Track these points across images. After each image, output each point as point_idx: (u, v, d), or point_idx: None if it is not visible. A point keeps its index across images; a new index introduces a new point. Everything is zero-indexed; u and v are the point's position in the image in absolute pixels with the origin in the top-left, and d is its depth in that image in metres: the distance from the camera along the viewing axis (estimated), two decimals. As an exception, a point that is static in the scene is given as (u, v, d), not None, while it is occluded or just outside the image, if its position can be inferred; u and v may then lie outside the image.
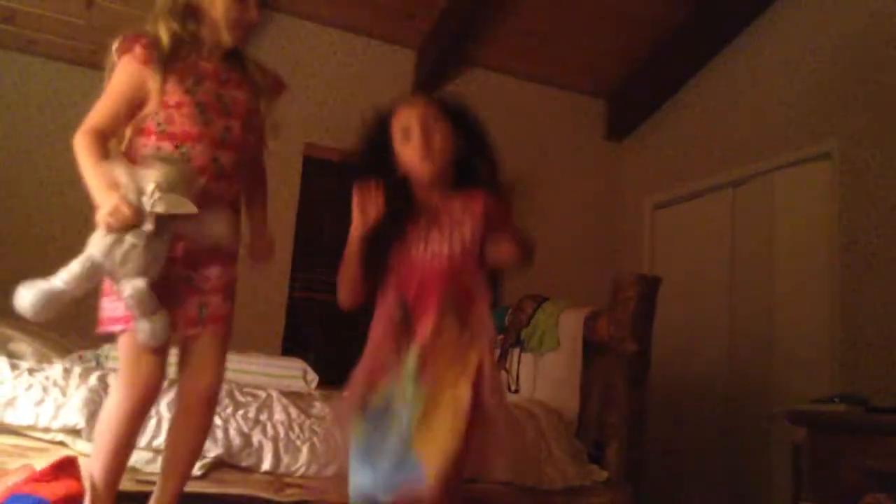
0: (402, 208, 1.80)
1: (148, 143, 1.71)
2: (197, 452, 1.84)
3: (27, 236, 3.71)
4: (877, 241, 3.38)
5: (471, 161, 1.87)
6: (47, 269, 4.05)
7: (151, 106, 1.70)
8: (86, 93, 3.88)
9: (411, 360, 1.70)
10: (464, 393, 1.66)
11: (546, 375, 3.11)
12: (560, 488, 2.50)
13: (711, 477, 3.95)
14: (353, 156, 1.87)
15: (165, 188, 1.57)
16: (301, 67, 4.23)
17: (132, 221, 1.55)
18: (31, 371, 2.19)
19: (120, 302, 1.64)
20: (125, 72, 1.71)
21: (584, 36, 4.51)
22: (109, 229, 1.56)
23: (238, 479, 2.18)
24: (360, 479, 1.69)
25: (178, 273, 1.72)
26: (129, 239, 1.56)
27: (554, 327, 3.12)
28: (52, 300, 1.53)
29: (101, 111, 1.69)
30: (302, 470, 2.20)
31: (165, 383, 1.78)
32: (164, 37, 1.73)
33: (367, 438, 1.71)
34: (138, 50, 1.70)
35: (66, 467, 1.77)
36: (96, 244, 1.58)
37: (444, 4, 4.15)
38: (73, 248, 4.06)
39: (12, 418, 2.07)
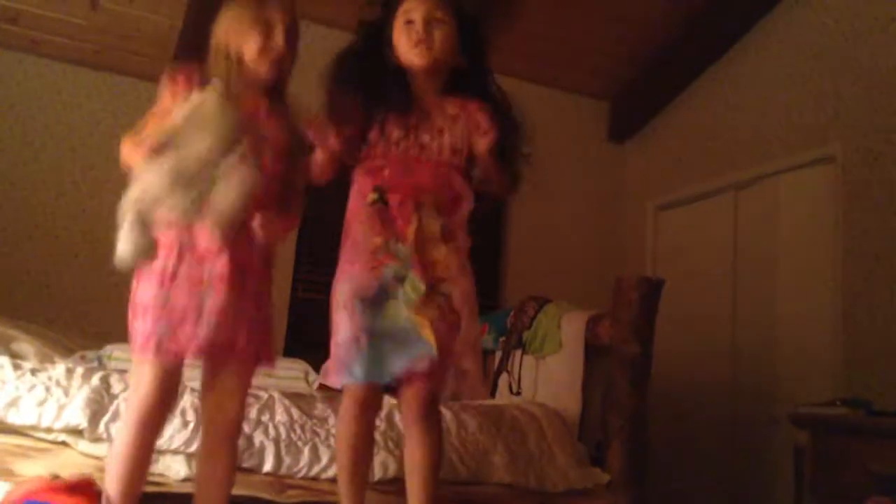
0: (393, 94, 1.80)
1: None
2: (226, 486, 1.83)
3: (30, 236, 3.72)
4: (879, 245, 3.38)
5: (468, 70, 1.87)
6: (50, 269, 4.06)
7: None
8: (89, 93, 3.94)
9: (402, 246, 1.74)
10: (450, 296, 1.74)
11: (548, 378, 3.10)
12: (562, 491, 2.50)
13: (714, 479, 3.95)
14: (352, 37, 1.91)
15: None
16: (306, 68, 4.23)
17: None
18: (33, 371, 2.19)
19: (143, 323, 1.64)
20: (169, 98, 1.73)
21: (588, 38, 4.51)
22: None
23: (239, 480, 2.16)
24: (362, 363, 1.72)
25: (249, 290, 1.72)
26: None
27: (556, 329, 3.12)
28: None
29: (147, 128, 1.69)
30: (303, 471, 2.19)
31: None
32: (219, 76, 1.75)
33: (367, 324, 1.74)
34: (182, 79, 1.73)
35: (84, 488, 1.78)
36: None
37: (448, 6, 4.15)
38: (77, 248, 4.06)
39: (15, 418, 2.07)
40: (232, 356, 1.74)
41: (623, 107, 5.02)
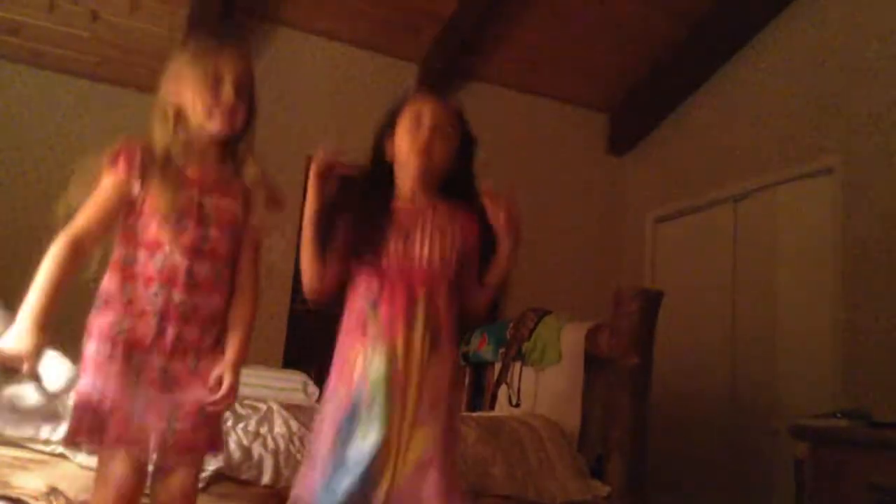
0: (382, 196, 1.77)
1: (126, 253, 1.66)
2: None
3: (31, 248, 3.71)
4: (879, 256, 3.38)
5: (459, 178, 1.85)
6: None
7: (138, 214, 1.65)
8: (90, 105, 3.94)
9: (380, 362, 1.67)
10: (428, 437, 1.66)
11: (547, 389, 3.10)
12: (561, 503, 2.49)
13: (713, 491, 3.93)
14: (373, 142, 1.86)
15: None
16: (303, 80, 4.25)
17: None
18: (32, 383, 2.19)
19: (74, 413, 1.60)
20: (109, 182, 1.64)
21: (587, 51, 4.53)
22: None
23: (238, 492, 2.17)
24: (339, 481, 1.65)
25: (144, 392, 1.63)
26: None
27: (556, 341, 3.12)
28: None
29: (84, 219, 1.63)
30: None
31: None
32: (157, 142, 1.67)
33: (343, 442, 1.67)
34: (122, 164, 1.64)
35: None
36: None
37: (448, 18, 4.17)
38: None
39: (13, 430, 2.06)
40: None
41: (622, 119, 5.03)
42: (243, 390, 2.56)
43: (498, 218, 1.79)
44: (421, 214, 1.79)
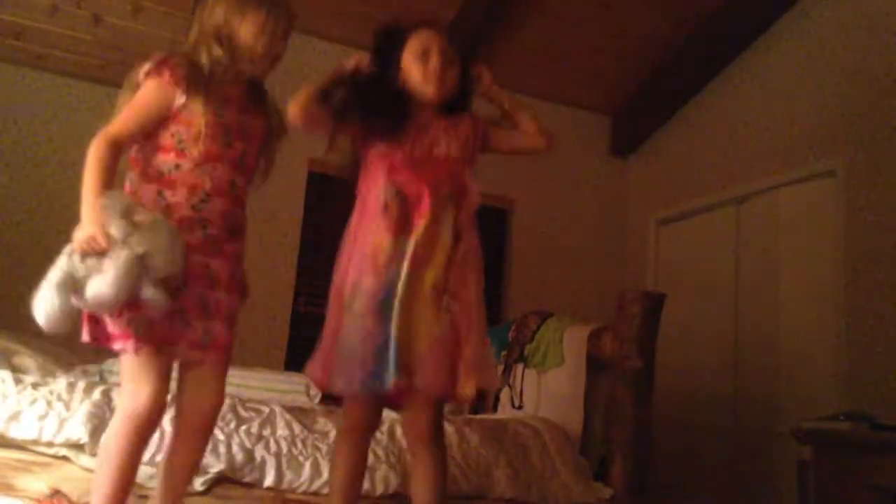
0: (396, 109, 1.90)
1: (167, 159, 1.72)
2: (194, 470, 1.84)
3: (34, 250, 3.72)
4: (882, 259, 3.38)
5: (460, 99, 2.00)
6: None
7: (184, 124, 1.72)
8: (93, 107, 3.95)
9: (410, 245, 1.78)
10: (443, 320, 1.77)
11: (550, 392, 3.10)
12: (564, 505, 2.49)
13: (717, 494, 3.93)
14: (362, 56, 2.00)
15: (153, 253, 1.56)
16: (305, 83, 4.25)
17: (103, 252, 1.54)
18: (34, 385, 2.19)
19: (118, 319, 1.63)
20: (153, 88, 1.72)
21: (590, 53, 4.53)
22: (79, 250, 1.56)
23: (241, 494, 2.17)
24: (361, 369, 1.74)
25: (192, 291, 1.71)
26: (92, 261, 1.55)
27: (558, 343, 3.12)
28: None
29: (123, 121, 1.71)
30: (305, 486, 2.19)
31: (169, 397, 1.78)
32: (205, 62, 1.76)
33: (364, 329, 1.76)
34: (167, 73, 1.72)
35: None
36: (69, 262, 1.56)
37: (450, 21, 4.17)
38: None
39: (16, 432, 2.06)
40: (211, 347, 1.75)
41: (625, 121, 5.04)
42: (245, 392, 2.57)
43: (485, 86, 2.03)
44: (433, 119, 1.94)
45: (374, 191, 1.87)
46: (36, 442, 2.07)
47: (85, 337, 1.70)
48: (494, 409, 3.33)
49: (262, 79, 1.90)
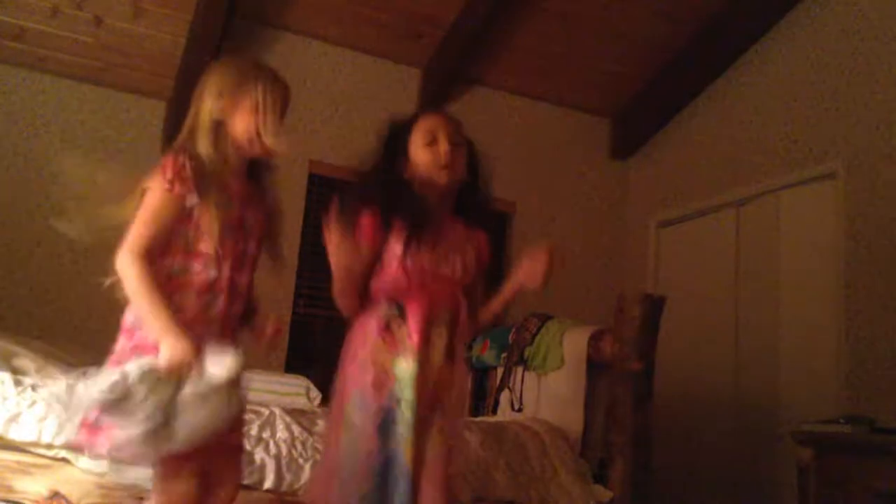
0: (413, 212, 1.82)
1: (174, 262, 1.67)
2: None
3: (35, 253, 3.72)
4: (882, 261, 3.37)
5: (470, 191, 1.91)
6: (52, 285, 4.05)
7: (192, 225, 1.67)
8: (94, 109, 3.96)
9: (409, 364, 1.74)
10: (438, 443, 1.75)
11: (550, 394, 3.09)
12: (564, 508, 2.48)
13: (716, 497, 3.92)
14: (365, 160, 1.91)
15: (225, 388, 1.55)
16: (307, 85, 4.26)
17: (187, 372, 1.52)
18: (34, 387, 2.19)
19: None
20: (165, 196, 1.65)
21: (590, 55, 4.53)
22: (166, 370, 1.51)
23: (240, 497, 2.16)
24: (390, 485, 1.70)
25: None
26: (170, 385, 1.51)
27: (558, 346, 3.12)
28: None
29: (144, 232, 1.62)
30: (304, 488, 2.19)
31: None
32: (205, 155, 1.69)
33: (387, 450, 1.72)
34: (176, 177, 1.65)
35: None
36: (138, 371, 1.51)
37: (451, 24, 4.18)
38: (79, 264, 4.05)
39: (15, 434, 2.06)
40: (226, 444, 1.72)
41: (625, 124, 5.04)
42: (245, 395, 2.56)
43: (533, 275, 1.90)
44: (444, 227, 1.86)
45: (378, 300, 1.83)
46: (35, 444, 2.07)
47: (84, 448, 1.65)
48: (494, 411, 3.33)
49: (268, 157, 1.81)
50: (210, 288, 1.67)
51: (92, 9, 3.75)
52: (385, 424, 1.72)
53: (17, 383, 2.19)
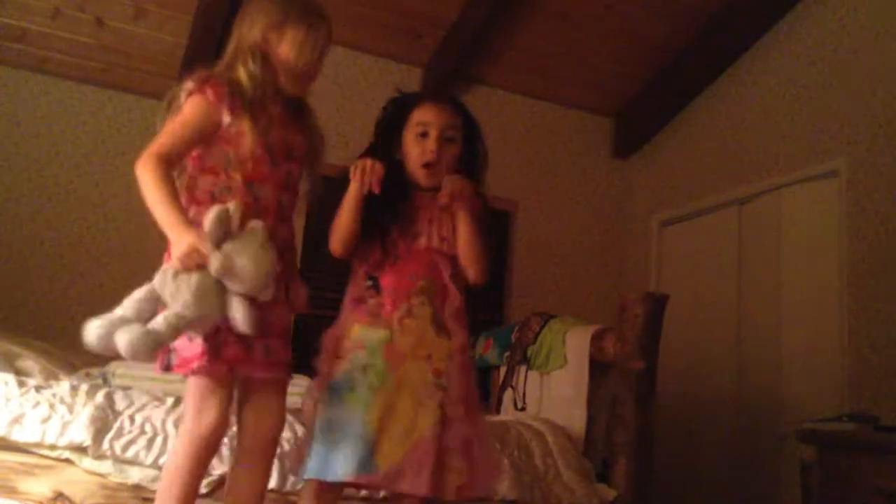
0: (391, 189, 1.82)
1: (217, 181, 1.68)
2: (262, 495, 1.78)
3: (36, 253, 3.73)
4: (884, 259, 3.37)
5: (464, 170, 1.90)
6: (55, 286, 4.06)
7: (232, 146, 1.68)
8: (95, 111, 3.96)
9: (378, 332, 1.76)
10: (429, 414, 1.72)
11: (553, 393, 3.09)
12: (567, 507, 2.48)
13: (720, 495, 3.92)
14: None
15: (251, 271, 1.55)
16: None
17: (204, 263, 1.52)
18: (38, 388, 2.19)
19: (192, 343, 1.60)
20: (199, 107, 1.66)
21: (592, 54, 4.53)
22: (181, 267, 1.51)
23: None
24: (327, 457, 1.70)
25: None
26: (195, 276, 1.51)
27: (561, 345, 3.11)
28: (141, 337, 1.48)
29: (170, 138, 1.64)
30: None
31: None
32: (245, 79, 1.70)
33: (331, 413, 1.75)
34: (211, 92, 1.67)
35: None
36: (161, 279, 1.52)
37: (452, 23, 4.17)
38: (82, 264, 4.06)
39: (19, 435, 2.07)
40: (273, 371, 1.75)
41: (627, 123, 5.03)
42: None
43: (442, 198, 1.83)
44: (423, 206, 1.87)
45: (358, 276, 1.85)
46: (39, 445, 2.08)
47: (157, 369, 1.66)
48: (497, 410, 3.33)
49: (303, 97, 1.84)
50: (253, 208, 1.67)
51: (93, 10, 3.75)
52: (338, 389, 1.76)
53: (21, 384, 2.19)
